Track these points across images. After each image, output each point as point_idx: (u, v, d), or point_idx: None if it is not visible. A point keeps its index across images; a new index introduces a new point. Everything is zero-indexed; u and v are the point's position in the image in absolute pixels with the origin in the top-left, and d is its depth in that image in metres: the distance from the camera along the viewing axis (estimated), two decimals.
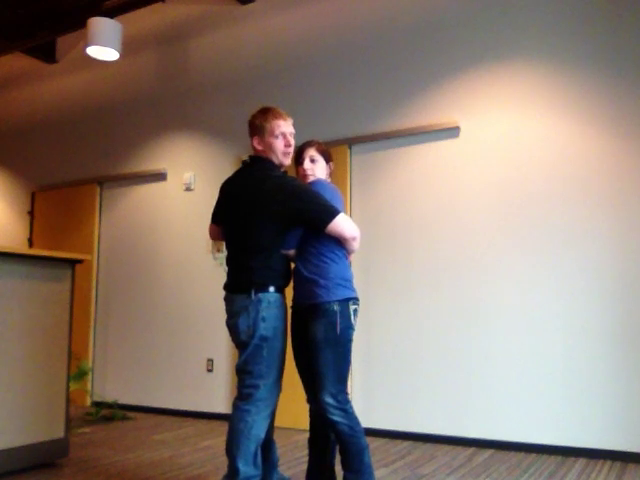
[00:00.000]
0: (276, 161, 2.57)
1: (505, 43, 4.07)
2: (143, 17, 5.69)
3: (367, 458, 2.44)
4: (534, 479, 3.12)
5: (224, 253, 4.98)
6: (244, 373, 2.49)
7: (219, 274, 5.00)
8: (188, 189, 5.29)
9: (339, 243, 2.52)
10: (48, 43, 6.28)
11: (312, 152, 2.69)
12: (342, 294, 2.47)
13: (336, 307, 2.44)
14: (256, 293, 2.44)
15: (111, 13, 5.10)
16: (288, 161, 2.60)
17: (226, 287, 2.59)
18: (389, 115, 4.43)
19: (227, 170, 5.09)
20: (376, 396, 4.25)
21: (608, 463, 3.45)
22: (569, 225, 3.76)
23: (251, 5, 5.17)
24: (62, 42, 6.37)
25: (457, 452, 3.73)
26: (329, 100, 4.70)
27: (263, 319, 2.43)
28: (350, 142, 4.52)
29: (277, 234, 2.48)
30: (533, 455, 3.64)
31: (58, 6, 5.35)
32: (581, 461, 3.50)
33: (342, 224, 2.47)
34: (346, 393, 2.47)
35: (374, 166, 4.45)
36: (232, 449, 2.43)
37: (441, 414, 4.01)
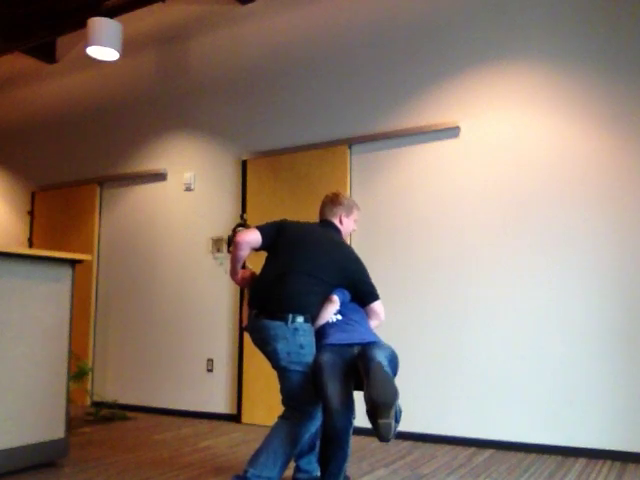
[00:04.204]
0: (344, 236, 3.02)
1: (505, 43, 4.07)
2: (143, 17, 5.69)
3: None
4: (534, 479, 3.12)
5: (224, 253, 4.99)
6: (292, 399, 2.66)
7: (219, 274, 5.00)
8: (188, 189, 5.29)
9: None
10: (48, 43, 6.28)
11: None
12: None
13: None
14: (293, 322, 2.63)
15: (111, 13, 5.10)
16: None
17: (259, 310, 2.71)
18: (389, 115, 4.43)
19: (227, 170, 5.10)
20: None
21: (608, 463, 3.45)
22: (569, 225, 3.76)
23: (251, 5, 5.17)
24: (62, 42, 6.37)
25: (457, 452, 3.73)
26: (329, 100, 4.70)
27: (302, 346, 2.63)
28: (350, 142, 4.52)
29: (333, 286, 2.79)
30: (533, 455, 3.64)
31: (58, 6, 5.35)
32: (581, 461, 3.50)
33: (381, 308, 2.95)
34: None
35: (374, 166, 4.45)
36: (269, 454, 2.56)
37: (441, 414, 4.01)
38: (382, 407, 2.24)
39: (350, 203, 3.03)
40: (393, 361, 2.65)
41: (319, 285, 2.73)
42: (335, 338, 2.72)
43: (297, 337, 2.62)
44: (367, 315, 2.94)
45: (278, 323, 2.62)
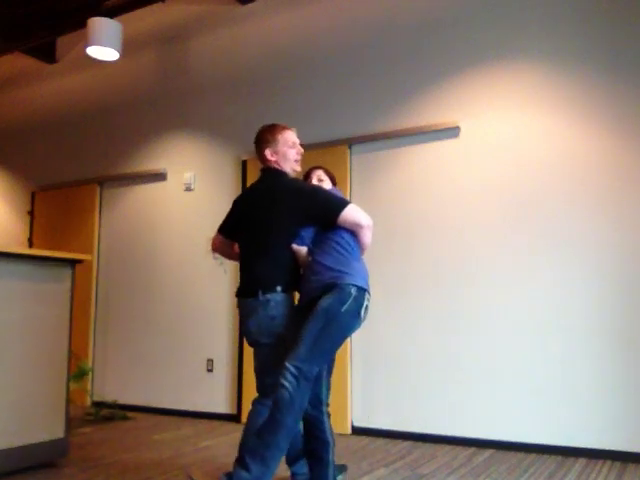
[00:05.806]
0: (288, 168, 2.73)
1: (505, 43, 4.07)
2: (143, 17, 5.68)
3: (282, 441, 2.32)
4: (534, 479, 3.12)
5: None
6: (263, 373, 2.59)
7: (219, 274, 5.00)
8: (188, 189, 5.29)
9: (355, 239, 2.60)
10: (48, 43, 6.28)
11: (319, 172, 2.90)
12: (362, 283, 2.51)
13: (353, 291, 2.45)
14: (263, 294, 2.53)
15: (111, 13, 5.09)
16: (299, 167, 2.79)
17: (238, 293, 2.70)
18: (389, 115, 4.43)
19: (227, 170, 5.10)
20: (376, 396, 4.25)
21: (608, 463, 3.45)
22: (569, 225, 3.76)
23: (251, 5, 5.17)
24: (62, 42, 6.37)
25: (457, 452, 3.73)
26: (329, 100, 4.70)
27: (273, 318, 2.52)
28: (350, 142, 4.52)
29: (289, 234, 2.60)
30: (533, 455, 3.64)
31: (58, 6, 5.35)
32: (581, 461, 3.50)
33: (355, 212, 2.56)
34: (311, 372, 2.37)
35: (374, 166, 4.45)
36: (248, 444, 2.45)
37: (441, 414, 4.01)
38: None
39: (270, 135, 2.70)
40: (323, 336, 2.39)
41: (279, 250, 2.59)
42: (301, 298, 2.60)
43: (268, 309, 2.52)
44: (355, 232, 2.58)
45: (250, 299, 2.58)
